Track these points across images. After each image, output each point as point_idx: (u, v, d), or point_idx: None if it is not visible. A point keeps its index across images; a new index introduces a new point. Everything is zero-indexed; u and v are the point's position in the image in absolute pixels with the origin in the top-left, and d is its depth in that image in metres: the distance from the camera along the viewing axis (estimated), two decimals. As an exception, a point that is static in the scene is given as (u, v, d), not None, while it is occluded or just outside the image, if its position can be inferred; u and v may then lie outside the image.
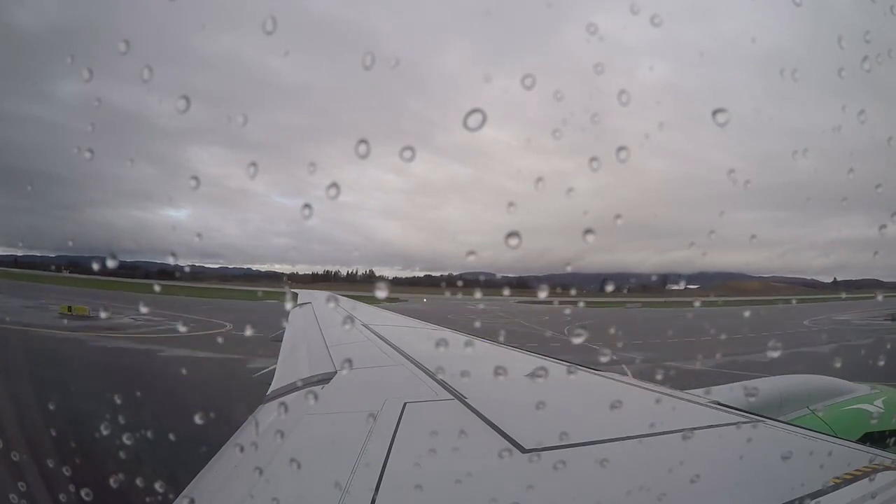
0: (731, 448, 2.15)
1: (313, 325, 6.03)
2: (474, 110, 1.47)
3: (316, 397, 2.75)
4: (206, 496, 1.67)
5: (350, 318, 6.75)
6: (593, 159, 1.75)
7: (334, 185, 1.60)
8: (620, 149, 1.73)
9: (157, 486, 1.89)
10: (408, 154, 1.53)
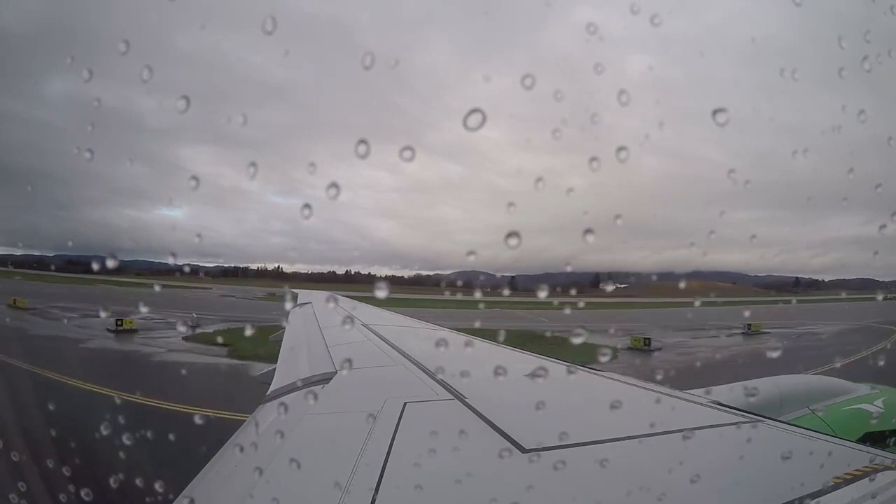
0: (731, 448, 2.15)
1: (313, 324, 6.03)
2: (474, 110, 1.47)
3: (316, 397, 2.75)
4: (206, 496, 1.67)
5: (350, 318, 6.75)
6: (593, 159, 1.75)
7: (333, 184, 1.60)
8: (620, 149, 1.73)
9: (157, 486, 1.89)
10: (407, 154, 1.53)
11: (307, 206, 1.66)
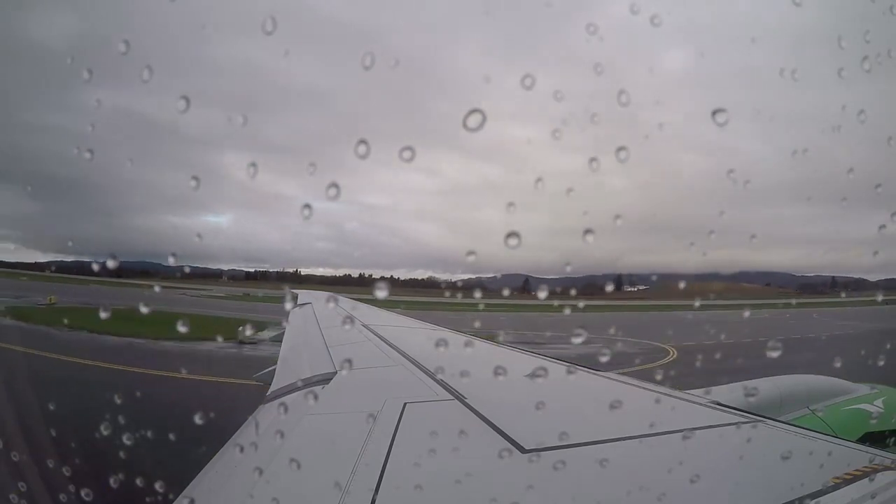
0: (731, 448, 2.15)
1: (313, 325, 6.03)
2: (474, 110, 1.47)
3: (316, 397, 2.75)
4: (206, 496, 1.67)
5: (350, 319, 6.75)
6: (621, 155, 1.73)
7: (334, 185, 1.60)
8: (623, 147, 1.73)
9: (158, 486, 1.89)
10: (407, 154, 1.53)
11: (309, 205, 1.66)
